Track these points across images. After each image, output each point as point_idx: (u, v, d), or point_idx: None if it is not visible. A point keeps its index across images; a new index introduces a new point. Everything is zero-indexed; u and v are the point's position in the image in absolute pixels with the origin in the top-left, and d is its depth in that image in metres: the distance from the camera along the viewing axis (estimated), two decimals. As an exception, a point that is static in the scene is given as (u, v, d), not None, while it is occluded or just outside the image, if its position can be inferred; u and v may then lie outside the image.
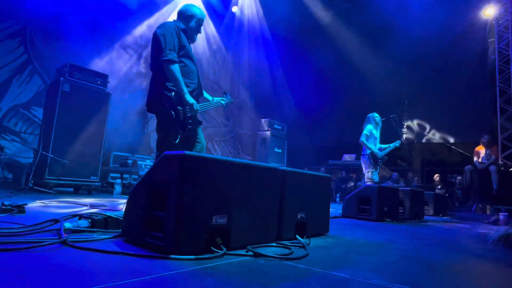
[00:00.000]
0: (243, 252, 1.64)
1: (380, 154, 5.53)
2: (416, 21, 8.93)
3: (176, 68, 2.58)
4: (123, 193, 5.17)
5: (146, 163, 6.34)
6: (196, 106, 2.63)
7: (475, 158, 7.81)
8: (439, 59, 9.31)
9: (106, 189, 5.81)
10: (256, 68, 12.24)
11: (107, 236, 1.75)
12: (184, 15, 2.89)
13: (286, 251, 1.75)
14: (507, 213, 4.98)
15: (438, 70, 9.37)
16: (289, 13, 11.15)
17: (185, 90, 2.59)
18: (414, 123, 9.55)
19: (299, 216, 2.22)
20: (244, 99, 12.14)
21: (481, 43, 9.15)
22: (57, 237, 1.59)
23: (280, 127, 8.61)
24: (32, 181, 4.49)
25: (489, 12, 8.85)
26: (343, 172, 9.93)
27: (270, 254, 1.62)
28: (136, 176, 6.09)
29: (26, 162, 5.34)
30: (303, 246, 1.90)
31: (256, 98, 12.41)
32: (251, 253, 1.61)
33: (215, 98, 3.19)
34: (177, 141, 2.59)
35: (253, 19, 11.67)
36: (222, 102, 3.23)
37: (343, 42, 10.70)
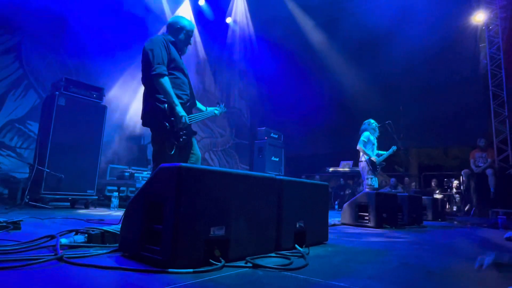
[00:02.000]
0: (242, 263, 1.62)
1: (378, 159, 5.55)
2: (410, 28, 9.07)
3: (165, 81, 2.59)
4: (120, 206, 5.13)
5: (143, 175, 6.31)
6: (186, 119, 2.63)
7: (471, 162, 7.87)
8: (432, 65, 9.41)
9: (103, 203, 5.76)
10: (252, 77, 12.32)
11: (104, 251, 1.72)
12: (173, 27, 2.92)
13: (286, 261, 1.74)
14: (505, 216, 4.99)
15: (432, 76, 9.47)
16: (283, 23, 11.28)
17: (177, 102, 2.60)
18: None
19: (297, 225, 2.21)
20: (240, 109, 12.18)
21: (473, 48, 9.29)
22: (53, 254, 1.57)
23: (276, 136, 8.61)
24: (28, 197, 4.45)
25: (479, 18, 9.01)
26: (341, 179, 9.93)
27: (269, 265, 1.61)
28: (134, 189, 6.05)
29: (22, 177, 5.29)
30: (302, 256, 1.89)
31: (252, 107, 12.46)
32: (250, 265, 1.60)
33: (208, 108, 3.20)
34: (172, 152, 2.59)
35: (247, 29, 11.78)
36: (216, 112, 3.24)
37: (339, 49, 10.81)
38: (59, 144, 4.71)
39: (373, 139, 5.67)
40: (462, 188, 8.19)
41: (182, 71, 2.84)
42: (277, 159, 8.41)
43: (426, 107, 9.32)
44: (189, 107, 2.84)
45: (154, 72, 2.58)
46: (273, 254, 1.89)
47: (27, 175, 4.94)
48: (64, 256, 1.51)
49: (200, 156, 2.93)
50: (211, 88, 11.20)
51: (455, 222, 5.68)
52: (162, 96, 2.62)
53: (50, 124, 4.68)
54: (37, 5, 6.54)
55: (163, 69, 2.61)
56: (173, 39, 2.86)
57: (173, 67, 2.75)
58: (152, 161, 2.77)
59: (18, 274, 1.27)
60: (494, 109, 8.44)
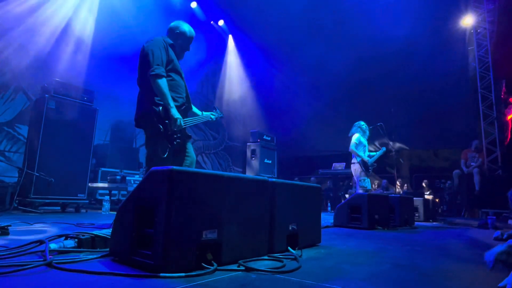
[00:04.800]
0: (234, 267, 1.62)
1: (370, 160, 5.60)
2: (400, 31, 9.18)
3: (163, 82, 2.58)
4: (111, 210, 5.07)
5: (135, 179, 6.25)
6: (181, 121, 2.62)
7: (462, 162, 7.99)
8: (422, 67, 9.54)
9: (94, 206, 5.69)
10: (245, 80, 12.32)
11: (95, 256, 1.70)
12: (174, 32, 2.91)
13: (278, 264, 1.73)
14: (495, 217, 5.06)
15: (422, 78, 9.60)
16: (275, 25, 11.31)
17: (172, 104, 2.59)
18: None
19: (290, 228, 2.21)
20: (233, 111, 12.16)
21: (462, 51, 9.45)
22: (42, 259, 1.54)
23: (269, 138, 8.62)
24: (17, 201, 4.37)
25: (467, 22, 9.17)
26: (333, 181, 9.96)
27: (262, 268, 1.60)
28: (125, 192, 5.99)
29: (11, 182, 5.19)
30: (295, 258, 1.88)
31: (245, 109, 12.45)
32: (243, 268, 1.59)
33: (204, 113, 3.19)
34: (165, 155, 2.57)
35: (239, 31, 11.79)
36: (212, 116, 3.24)
37: (331, 53, 10.87)
38: (49, 148, 4.64)
39: (363, 140, 5.72)
40: (453, 189, 8.29)
41: (179, 73, 2.83)
42: (270, 162, 8.41)
43: (416, 109, 9.45)
44: (185, 111, 2.83)
45: (153, 73, 2.57)
46: (266, 257, 1.89)
47: (16, 179, 4.85)
48: (53, 261, 1.48)
49: (195, 158, 2.91)
50: (203, 90, 11.18)
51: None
52: (158, 98, 2.60)
53: (40, 127, 4.61)
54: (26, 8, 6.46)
55: (161, 70, 2.61)
56: (171, 42, 2.85)
57: (171, 69, 2.75)
58: (145, 164, 2.76)
59: (6, 281, 1.24)
60: (483, 111, 8.58)
